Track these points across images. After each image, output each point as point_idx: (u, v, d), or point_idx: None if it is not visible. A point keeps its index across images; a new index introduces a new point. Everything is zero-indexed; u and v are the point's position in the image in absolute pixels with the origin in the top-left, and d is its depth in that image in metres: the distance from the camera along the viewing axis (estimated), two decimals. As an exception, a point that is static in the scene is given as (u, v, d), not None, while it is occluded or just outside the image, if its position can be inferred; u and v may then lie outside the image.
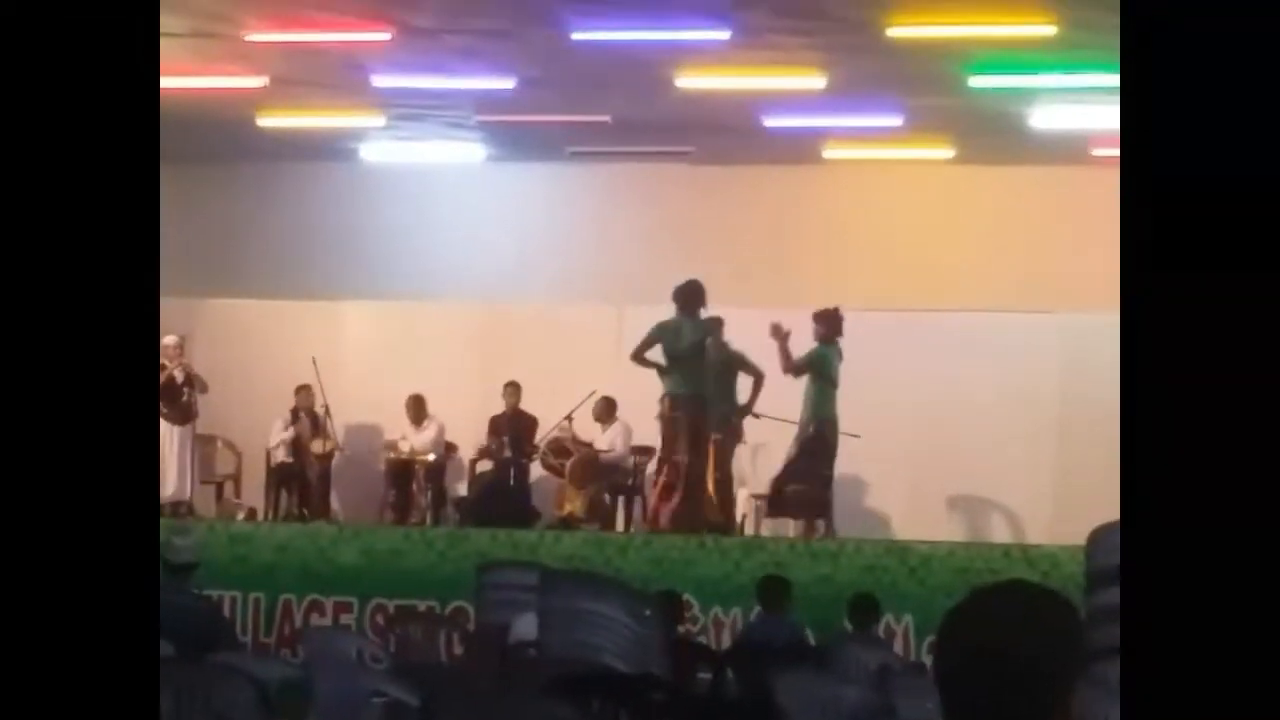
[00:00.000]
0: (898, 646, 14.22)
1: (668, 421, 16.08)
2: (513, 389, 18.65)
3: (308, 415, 18.93)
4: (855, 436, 16.89)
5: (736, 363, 16.62)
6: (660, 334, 15.98)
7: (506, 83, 17.18)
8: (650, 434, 18.27)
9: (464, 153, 21.02)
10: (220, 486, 19.59)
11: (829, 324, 16.54)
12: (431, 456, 18.78)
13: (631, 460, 18.35)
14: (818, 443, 16.38)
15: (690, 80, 16.81)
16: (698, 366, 15.99)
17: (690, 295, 16.16)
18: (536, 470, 18.48)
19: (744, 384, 16.71)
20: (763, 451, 18.05)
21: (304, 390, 18.86)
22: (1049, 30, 14.53)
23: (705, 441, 16.07)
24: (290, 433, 18.82)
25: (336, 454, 19.21)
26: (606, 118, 18.71)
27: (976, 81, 16.44)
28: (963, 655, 2.98)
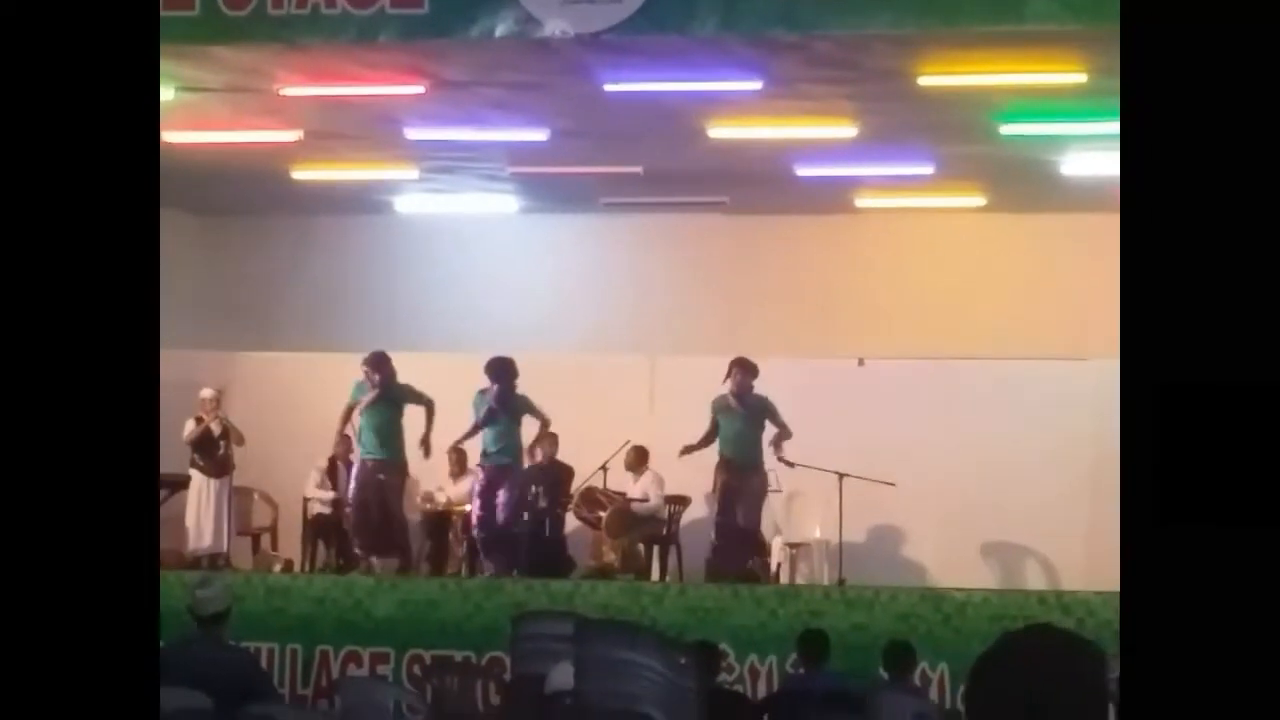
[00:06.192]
0: (933, 694, 14.20)
1: None
2: (550, 439, 18.62)
3: (345, 465, 18.97)
4: (890, 484, 16.94)
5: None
6: None
7: (539, 135, 17.26)
8: (682, 483, 18.30)
9: (497, 204, 21.12)
10: (257, 539, 19.62)
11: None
12: (468, 507, 18.78)
13: (666, 509, 18.34)
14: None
15: (722, 130, 16.86)
16: None
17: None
18: (572, 520, 18.47)
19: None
20: (798, 500, 18.05)
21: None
22: (1080, 78, 14.55)
23: None
24: (330, 493, 18.83)
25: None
26: (639, 168, 18.77)
27: (1008, 129, 16.46)
28: (993, 698, 3.01)
